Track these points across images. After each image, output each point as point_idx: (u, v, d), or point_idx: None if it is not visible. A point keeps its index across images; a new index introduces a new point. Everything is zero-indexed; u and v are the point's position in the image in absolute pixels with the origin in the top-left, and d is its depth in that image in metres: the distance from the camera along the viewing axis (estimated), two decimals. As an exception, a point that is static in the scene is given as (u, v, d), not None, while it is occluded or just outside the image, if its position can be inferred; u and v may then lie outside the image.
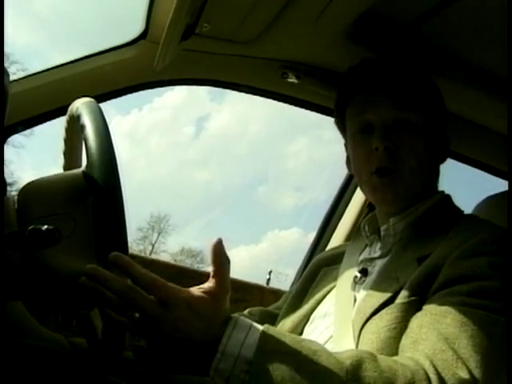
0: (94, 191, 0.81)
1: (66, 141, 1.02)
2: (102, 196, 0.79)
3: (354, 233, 1.26)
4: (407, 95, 1.10)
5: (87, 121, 0.83)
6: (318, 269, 1.27)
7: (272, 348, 0.77)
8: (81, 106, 0.87)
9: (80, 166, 1.03)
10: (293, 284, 2.02)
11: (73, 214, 0.83)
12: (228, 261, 0.81)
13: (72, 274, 0.80)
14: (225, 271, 0.80)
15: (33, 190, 0.85)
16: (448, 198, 1.14)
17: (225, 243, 0.81)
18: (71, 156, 1.03)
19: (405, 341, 0.89)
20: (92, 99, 0.89)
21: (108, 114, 0.88)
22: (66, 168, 1.03)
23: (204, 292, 0.80)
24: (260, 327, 0.79)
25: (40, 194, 0.84)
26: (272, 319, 1.27)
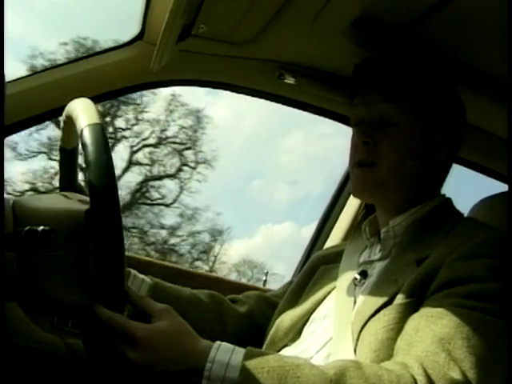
0: (94, 236, 0.81)
1: (62, 140, 1.02)
2: (104, 245, 0.79)
3: (353, 232, 1.26)
4: (395, 90, 1.11)
5: (92, 158, 0.80)
6: (316, 266, 1.26)
7: (256, 366, 0.80)
8: (86, 130, 0.83)
9: (76, 146, 1.03)
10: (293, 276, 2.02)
11: (72, 250, 0.83)
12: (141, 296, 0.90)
13: (68, 306, 0.82)
14: (149, 304, 0.87)
15: (33, 220, 0.84)
16: (449, 201, 1.14)
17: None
18: (69, 137, 1.01)
19: (400, 343, 0.89)
20: (97, 120, 0.84)
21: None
22: (63, 145, 1.03)
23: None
24: (243, 349, 0.83)
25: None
26: (268, 306, 1.27)
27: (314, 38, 1.31)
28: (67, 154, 1.04)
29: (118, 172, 12.45)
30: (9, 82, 1.30)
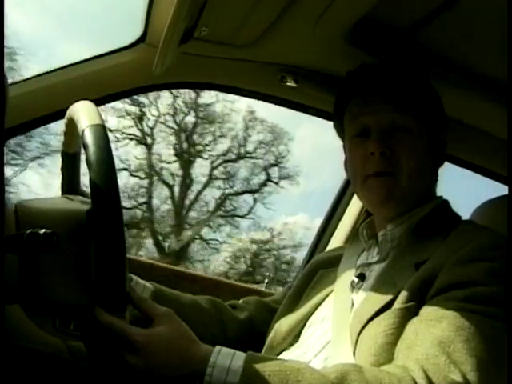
0: (96, 237, 0.80)
1: (64, 144, 1.02)
2: (105, 246, 0.78)
3: (352, 236, 1.26)
4: (404, 99, 1.10)
5: (93, 159, 0.80)
6: (315, 270, 1.26)
7: (256, 371, 0.80)
8: (87, 131, 0.83)
9: (79, 151, 1.02)
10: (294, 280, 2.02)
11: (74, 251, 0.83)
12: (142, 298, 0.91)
13: (70, 307, 0.82)
14: (150, 308, 0.88)
15: (34, 221, 0.84)
16: (446, 203, 1.14)
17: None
18: (71, 142, 1.02)
19: (400, 346, 0.90)
20: (99, 120, 0.85)
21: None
22: (64, 150, 1.03)
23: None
24: (243, 353, 0.83)
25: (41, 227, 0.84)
26: (268, 311, 1.27)
27: (316, 40, 1.31)
28: (69, 159, 1.04)
29: (198, 187, 12.59)
30: (11, 84, 1.30)
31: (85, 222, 0.84)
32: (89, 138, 0.82)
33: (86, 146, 0.81)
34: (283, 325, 1.16)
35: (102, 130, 0.83)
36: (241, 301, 1.34)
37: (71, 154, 1.03)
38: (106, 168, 0.80)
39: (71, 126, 0.92)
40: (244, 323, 1.25)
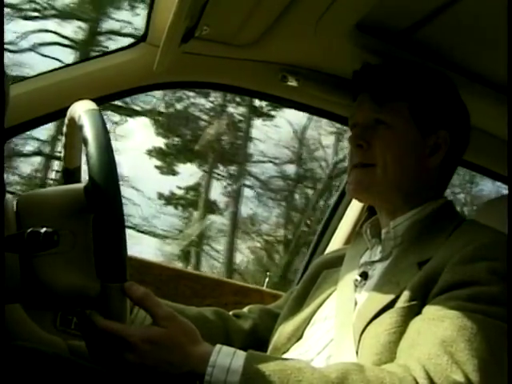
0: (95, 210, 0.81)
1: (65, 141, 1.02)
2: (104, 215, 0.79)
3: (354, 235, 1.26)
4: (389, 97, 1.13)
5: (90, 135, 0.81)
6: (318, 271, 1.27)
7: (257, 370, 0.80)
8: (83, 114, 0.85)
9: (79, 165, 1.03)
10: (296, 284, 2.01)
11: (73, 230, 0.83)
12: (147, 293, 0.85)
13: (69, 289, 0.81)
14: (154, 306, 0.85)
15: (33, 203, 0.85)
16: (450, 203, 1.14)
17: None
18: (71, 155, 1.03)
19: (402, 345, 0.90)
20: (94, 106, 0.87)
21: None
22: (65, 166, 1.03)
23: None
24: (244, 352, 0.83)
25: (40, 209, 0.84)
26: (272, 318, 1.27)
27: (317, 40, 1.31)
28: (70, 175, 1.04)
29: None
30: (12, 83, 1.30)
31: (83, 198, 0.84)
32: (84, 119, 0.84)
33: (82, 127, 0.83)
34: (287, 326, 1.16)
35: (97, 113, 0.85)
36: (245, 309, 1.34)
37: (72, 169, 1.03)
38: (101, 142, 0.81)
39: (71, 129, 0.93)
40: (249, 333, 1.25)
